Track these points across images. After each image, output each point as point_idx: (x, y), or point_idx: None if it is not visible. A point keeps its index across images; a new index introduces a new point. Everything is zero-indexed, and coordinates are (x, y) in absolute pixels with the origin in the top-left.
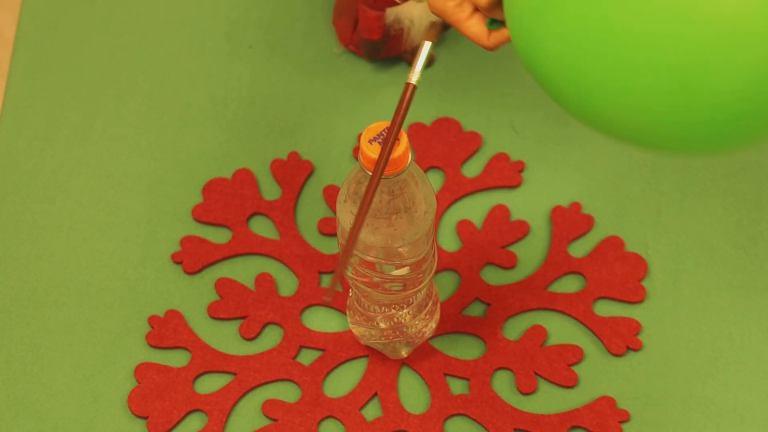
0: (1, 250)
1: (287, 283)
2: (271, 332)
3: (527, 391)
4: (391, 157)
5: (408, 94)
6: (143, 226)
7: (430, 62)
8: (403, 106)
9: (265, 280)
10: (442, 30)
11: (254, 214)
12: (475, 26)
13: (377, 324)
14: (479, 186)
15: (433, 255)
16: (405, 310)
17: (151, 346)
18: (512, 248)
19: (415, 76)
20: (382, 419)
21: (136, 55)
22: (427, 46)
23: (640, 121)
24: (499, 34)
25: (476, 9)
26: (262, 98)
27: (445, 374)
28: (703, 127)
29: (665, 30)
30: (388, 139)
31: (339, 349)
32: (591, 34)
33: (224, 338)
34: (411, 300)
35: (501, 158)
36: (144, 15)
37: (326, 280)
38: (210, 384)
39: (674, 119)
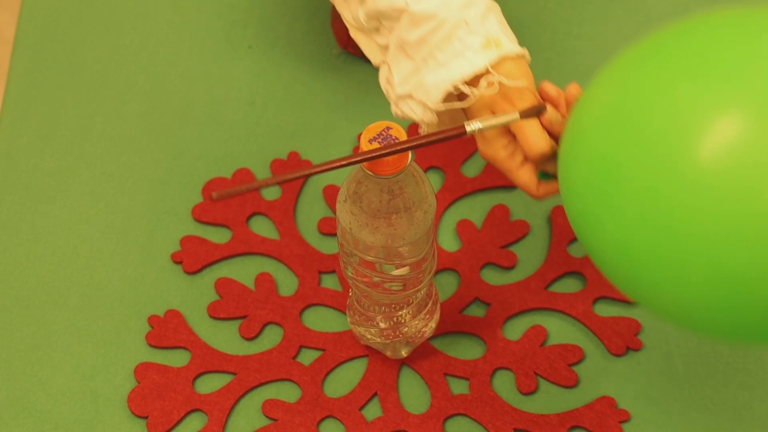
0: (1, 250)
1: (287, 283)
2: (271, 332)
3: (527, 391)
4: (391, 157)
5: (453, 132)
6: (143, 226)
7: None
8: (440, 137)
9: (265, 280)
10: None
11: (254, 213)
12: (525, 175)
13: (377, 324)
14: (479, 186)
15: (433, 255)
16: (405, 310)
17: (151, 346)
18: (512, 248)
19: (475, 126)
20: (382, 419)
21: (136, 55)
22: (512, 116)
23: (689, 311)
24: (548, 186)
25: (527, 158)
26: (262, 98)
27: (445, 374)
28: (753, 325)
29: (725, 229)
30: (396, 145)
31: (339, 349)
32: (646, 218)
33: (224, 338)
34: (411, 300)
35: None
36: (144, 15)
37: (327, 281)
38: (210, 384)
39: (723, 313)
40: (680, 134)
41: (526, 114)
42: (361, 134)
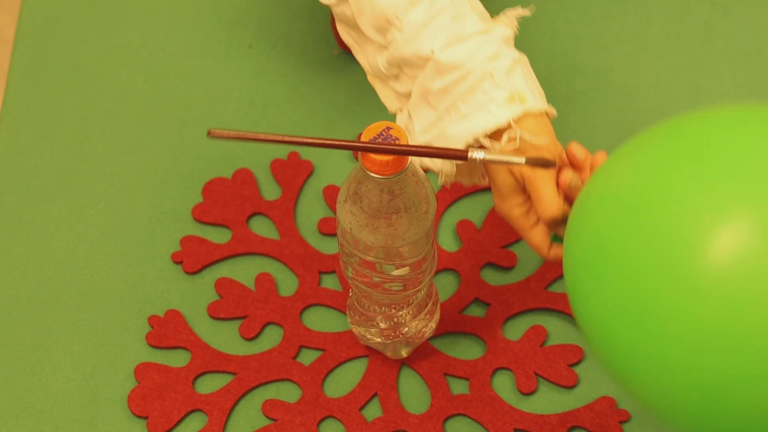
0: (1, 250)
1: (287, 283)
2: (271, 332)
3: (527, 391)
4: (391, 157)
5: (454, 153)
6: (143, 226)
7: None
8: (439, 153)
9: (265, 280)
10: (547, 166)
11: (254, 214)
12: (537, 236)
13: (377, 324)
14: (479, 186)
15: (433, 255)
16: (405, 310)
17: (151, 346)
18: (512, 248)
19: (478, 155)
20: (382, 419)
21: (136, 55)
22: (518, 159)
23: (664, 407)
24: (560, 250)
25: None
26: (262, 98)
27: (445, 374)
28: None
29: (708, 336)
30: (396, 146)
31: (339, 349)
32: (628, 307)
33: (224, 338)
34: (411, 300)
35: None
36: (144, 15)
37: (327, 281)
38: (210, 384)
39: (697, 416)
40: (677, 236)
41: (531, 162)
42: (361, 134)
